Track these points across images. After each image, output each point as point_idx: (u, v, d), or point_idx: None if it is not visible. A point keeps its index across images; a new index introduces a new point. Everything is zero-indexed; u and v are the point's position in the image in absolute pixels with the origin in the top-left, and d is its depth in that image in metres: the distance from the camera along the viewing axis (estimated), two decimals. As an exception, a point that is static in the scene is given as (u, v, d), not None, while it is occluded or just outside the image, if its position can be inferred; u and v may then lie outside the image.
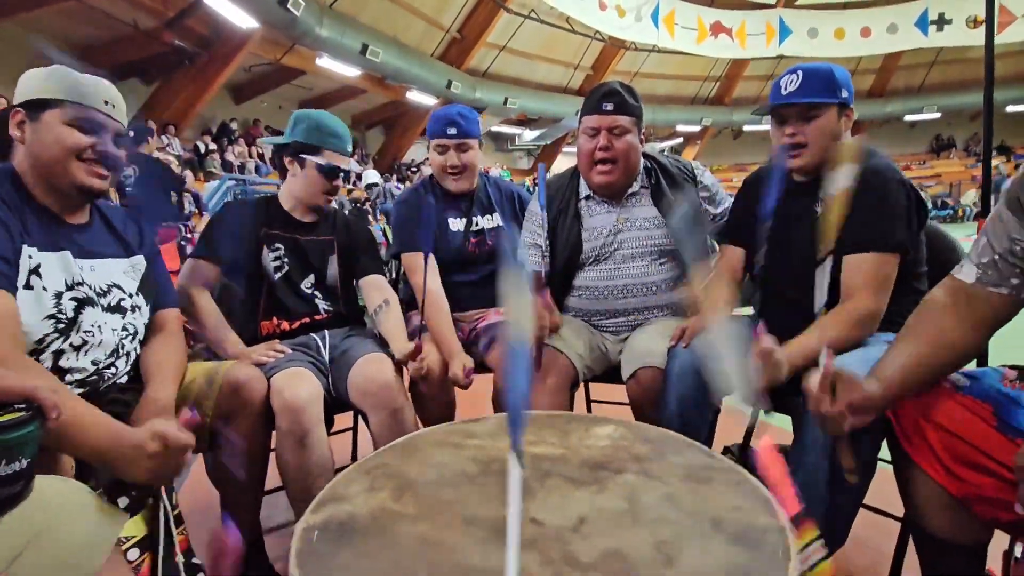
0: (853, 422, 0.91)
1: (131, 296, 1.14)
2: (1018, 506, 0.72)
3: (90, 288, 1.06)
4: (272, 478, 1.32)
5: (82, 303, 1.04)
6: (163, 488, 0.90)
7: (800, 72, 1.26)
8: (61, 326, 1.01)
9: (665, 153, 1.73)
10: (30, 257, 0.98)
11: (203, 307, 1.46)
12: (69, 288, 1.03)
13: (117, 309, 1.11)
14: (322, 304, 1.59)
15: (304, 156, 1.53)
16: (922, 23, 15.97)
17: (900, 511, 1.10)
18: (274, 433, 1.29)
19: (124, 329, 1.11)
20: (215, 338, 1.44)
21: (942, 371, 0.93)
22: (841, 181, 0.98)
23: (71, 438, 0.83)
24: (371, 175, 12.44)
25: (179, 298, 1.45)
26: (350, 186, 11.86)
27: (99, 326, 1.06)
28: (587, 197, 1.61)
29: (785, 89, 1.27)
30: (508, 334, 0.60)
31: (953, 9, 15.50)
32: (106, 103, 1.07)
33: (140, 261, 1.19)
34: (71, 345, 1.02)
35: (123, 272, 1.15)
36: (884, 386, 0.91)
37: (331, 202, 1.61)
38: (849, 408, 0.90)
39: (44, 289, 0.99)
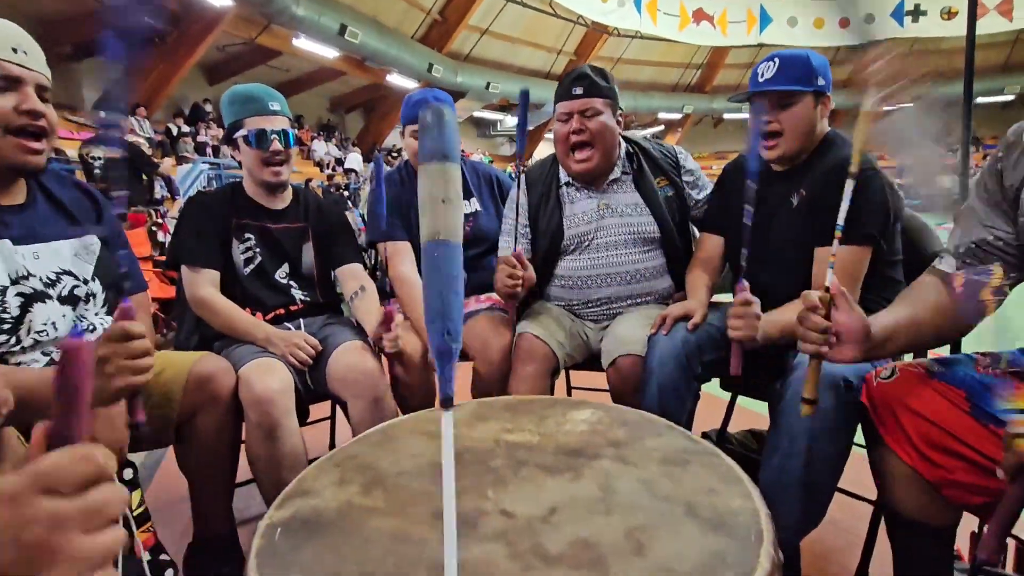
0: (833, 354, 0.88)
1: (85, 283, 1.03)
2: (999, 471, 0.72)
3: (38, 280, 0.95)
4: (247, 470, 1.29)
5: (30, 299, 0.93)
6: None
7: (777, 59, 1.25)
8: (6, 326, 0.90)
9: (647, 138, 1.71)
10: None
11: (220, 308, 1.40)
12: (13, 282, 0.92)
13: (69, 299, 1.00)
14: (298, 294, 1.54)
15: (234, 137, 1.45)
16: (898, 14, 16.20)
17: (873, 495, 1.12)
18: (244, 425, 1.25)
19: (80, 321, 1.01)
20: (243, 332, 1.39)
21: (934, 336, 0.95)
22: (868, 102, 0.84)
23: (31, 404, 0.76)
24: (353, 160, 12.22)
25: (194, 306, 1.41)
26: (330, 171, 11.65)
27: (53, 323, 0.95)
28: (567, 184, 1.58)
29: (762, 76, 1.27)
30: (427, 233, 0.48)
31: (928, 0, 15.73)
32: (15, 51, 0.89)
33: (93, 241, 1.06)
34: (22, 348, 0.92)
35: (74, 255, 1.02)
36: (876, 327, 0.88)
37: (279, 175, 1.46)
38: (836, 334, 0.87)
39: None
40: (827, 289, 0.87)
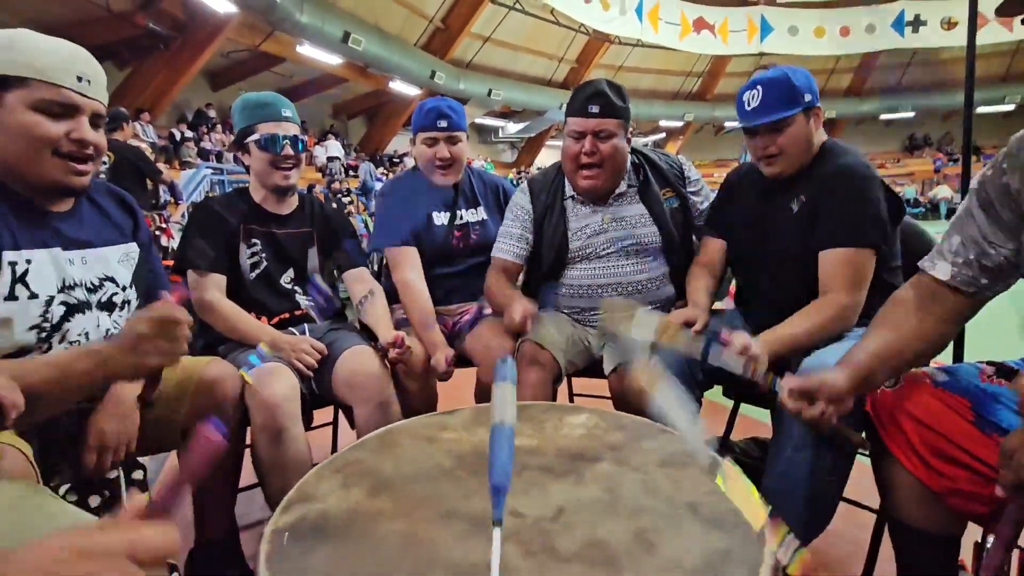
0: (832, 412, 0.93)
1: (124, 289, 1.05)
2: (998, 488, 0.72)
3: (83, 289, 0.97)
4: (249, 475, 1.29)
5: (72, 309, 0.94)
6: (125, 490, 0.86)
7: (759, 87, 1.25)
8: (43, 335, 0.91)
9: (650, 147, 1.72)
10: (13, 264, 0.87)
11: (226, 312, 1.40)
12: (60, 291, 0.93)
13: (107, 306, 1.02)
14: (302, 299, 1.54)
15: (245, 141, 1.47)
16: (898, 24, 16.31)
17: (876, 503, 1.11)
18: (250, 429, 1.25)
19: (115, 327, 1.02)
20: (247, 336, 1.39)
21: (911, 360, 0.95)
22: None
23: (59, 390, 0.77)
24: (333, 147, 12.28)
25: (199, 311, 1.41)
26: (332, 177, 11.68)
27: (87, 333, 0.97)
28: (572, 196, 1.59)
29: (748, 105, 1.27)
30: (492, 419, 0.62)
31: (928, 11, 15.85)
32: (79, 79, 0.91)
33: (134, 249, 1.09)
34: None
35: (118, 261, 1.05)
36: (853, 372, 0.92)
37: (288, 179, 1.48)
38: (827, 404, 0.92)
39: (33, 297, 0.89)
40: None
